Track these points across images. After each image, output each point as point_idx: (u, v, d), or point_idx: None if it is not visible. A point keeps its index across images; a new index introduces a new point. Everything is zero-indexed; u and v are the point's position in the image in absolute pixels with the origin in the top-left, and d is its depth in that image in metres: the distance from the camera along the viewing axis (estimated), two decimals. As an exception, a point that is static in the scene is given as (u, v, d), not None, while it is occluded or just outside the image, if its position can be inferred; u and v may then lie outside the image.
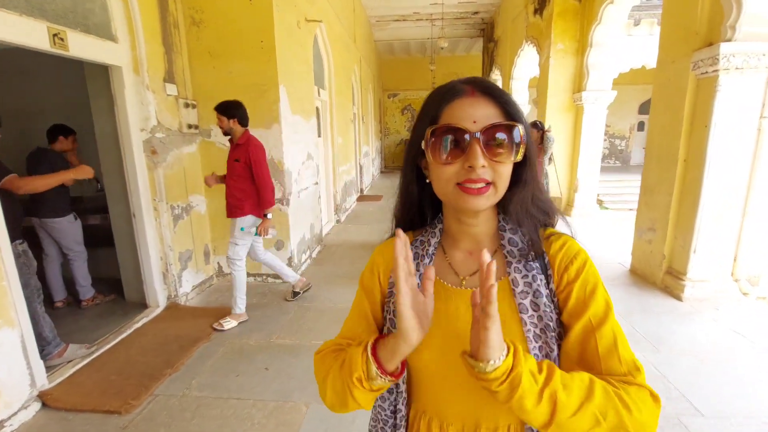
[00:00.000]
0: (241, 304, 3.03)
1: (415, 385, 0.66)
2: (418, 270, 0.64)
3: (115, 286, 3.45)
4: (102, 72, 2.90)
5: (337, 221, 6.49)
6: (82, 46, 2.49)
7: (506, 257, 0.63)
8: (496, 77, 10.73)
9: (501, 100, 0.57)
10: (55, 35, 2.30)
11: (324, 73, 5.86)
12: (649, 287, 3.60)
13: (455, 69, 15.36)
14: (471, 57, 14.88)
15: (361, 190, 9.26)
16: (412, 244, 0.67)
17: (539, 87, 6.95)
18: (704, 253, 3.23)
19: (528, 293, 0.59)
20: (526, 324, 0.58)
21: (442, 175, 0.58)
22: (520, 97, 9.32)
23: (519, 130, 0.56)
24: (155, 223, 3.18)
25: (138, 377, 2.38)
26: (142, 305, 3.28)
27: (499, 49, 10.17)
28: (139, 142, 3.03)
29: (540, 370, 0.51)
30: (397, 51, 14.30)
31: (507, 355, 0.48)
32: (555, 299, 0.61)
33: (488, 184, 0.56)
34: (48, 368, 2.30)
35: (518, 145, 0.56)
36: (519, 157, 0.57)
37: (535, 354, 0.57)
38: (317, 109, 5.75)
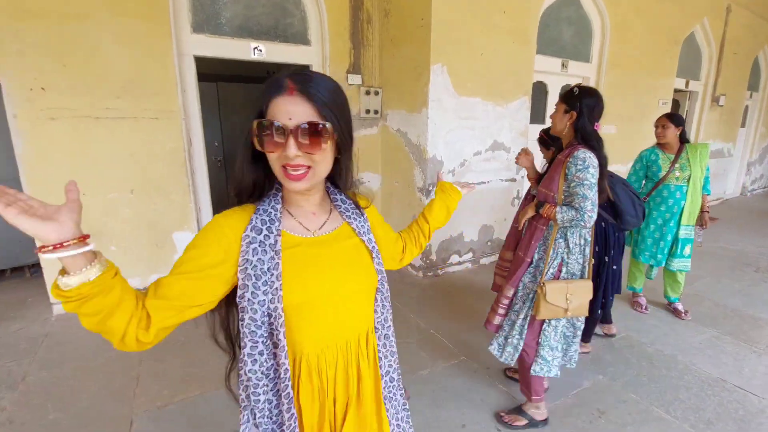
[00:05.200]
0: None
1: (291, 332, 0.74)
2: (271, 232, 0.73)
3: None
4: (314, 70, 3.83)
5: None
6: (278, 53, 3.45)
7: (342, 212, 0.85)
8: None
9: (315, 98, 0.68)
10: (255, 48, 3.35)
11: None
12: None
13: None
14: None
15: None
16: (255, 213, 0.74)
17: None
18: None
19: (363, 230, 0.85)
20: (370, 248, 0.84)
21: (270, 158, 0.71)
22: None
23: (327, 127, 0.69)
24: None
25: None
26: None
27: None
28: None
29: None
30: None
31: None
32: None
33: (308, 168, 0.70)
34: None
35: (326, 139, 0.69)
36: (326, 147, 0.70)
37: (378, 263, 0.84)
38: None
